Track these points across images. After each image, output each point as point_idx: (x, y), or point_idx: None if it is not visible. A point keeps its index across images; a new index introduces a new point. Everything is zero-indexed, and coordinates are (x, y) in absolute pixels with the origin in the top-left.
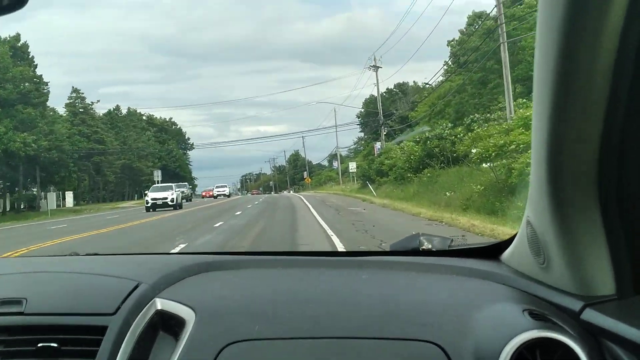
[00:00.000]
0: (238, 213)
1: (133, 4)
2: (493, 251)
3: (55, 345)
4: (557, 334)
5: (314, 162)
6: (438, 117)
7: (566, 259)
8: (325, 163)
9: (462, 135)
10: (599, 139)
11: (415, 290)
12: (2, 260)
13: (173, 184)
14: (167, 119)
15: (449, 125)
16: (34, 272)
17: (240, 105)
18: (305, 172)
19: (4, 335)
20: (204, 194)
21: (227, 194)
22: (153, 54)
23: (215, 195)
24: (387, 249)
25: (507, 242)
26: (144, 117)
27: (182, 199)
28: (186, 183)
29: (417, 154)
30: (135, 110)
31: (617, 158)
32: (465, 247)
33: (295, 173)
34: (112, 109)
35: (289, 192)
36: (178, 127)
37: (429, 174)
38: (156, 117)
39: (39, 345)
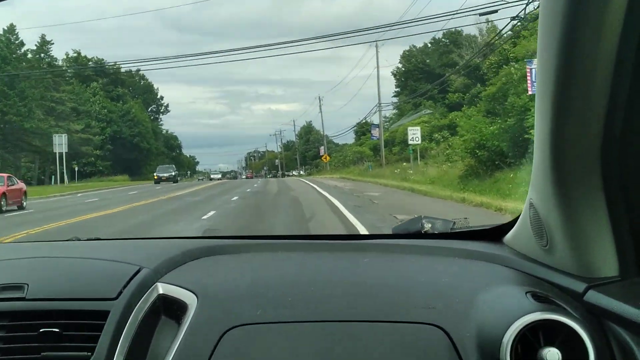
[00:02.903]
0: None
1: None
2: (496, 233)
3: (57, 330)
4: (560, 315)
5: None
6: None
7: (569, 240)
8: (346, 140)
9: None
10: (602, 121)
11: (417, 273)
12: (3, 246)
13: None
14: (133, 71)
15: None
16: (35, 258)
17: (253, 83)
18: (321, 148)
19: (5, 320)
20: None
21: None
22: (167, 30)
23: None
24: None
25: (510, 225)
26: (91, 63)
27: None
28: None
29: None
30: (64, 57)
31: (619, 140)
32: (467, 229)
33: (306, 149)
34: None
35: (298, 173)
36: (148, 81)
37: None
38: (108, 64)
39: (41, 330)
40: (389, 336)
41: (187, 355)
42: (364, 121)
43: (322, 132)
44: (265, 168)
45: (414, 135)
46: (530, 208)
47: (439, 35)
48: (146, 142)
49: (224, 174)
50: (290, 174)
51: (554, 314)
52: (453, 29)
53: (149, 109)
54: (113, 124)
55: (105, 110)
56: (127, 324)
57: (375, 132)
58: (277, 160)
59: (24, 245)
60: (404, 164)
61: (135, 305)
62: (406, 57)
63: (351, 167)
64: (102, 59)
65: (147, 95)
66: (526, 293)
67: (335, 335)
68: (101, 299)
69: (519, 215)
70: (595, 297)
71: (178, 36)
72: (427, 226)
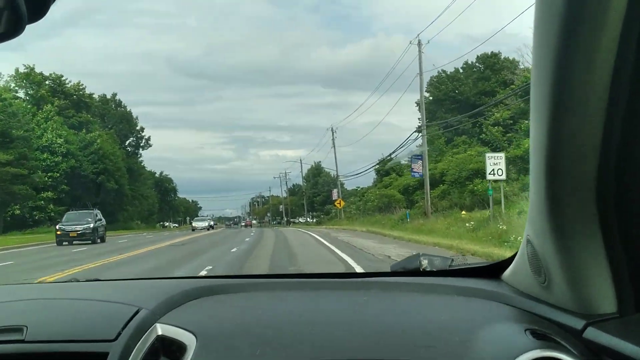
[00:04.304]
0: None
1: (158, 26)
2: (494, 270)
3: None
4: (559, 353)
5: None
6: None
7: (567, 277)
8: (359, 184)
9: None
10: (598, 157)
11: (416, 311)
12: (2, 288)
13: None
14: (106, 96)
15: None
16: (34, 299)
17: (261, 128)
18: (334, 191)
19: None
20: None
21: None
22: (176, 75)
23: None
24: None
25: (508, 262)
26: (48, 82)
27: None
28: None
29: None
30: None
31: (616, 176)
32: (466, 266)
33: (315, 194)
34: None
35: (305, 220)
36: (125, 109)
37: None
38: (68, 84)
39: None
40: None
41: None
42: (388, 158)
43: (333, 174)
44: (268, 214)
45: (496, 166)
46: (528, 245)
47: (472, 59)
48: (114, 182)
49: (223, 220)
50: (297, 221)
51: (553, 351)
52: (489, 52)
53: (127, 142)
54: (70, 157)
55: (62, 140)
56: None
57: (417, 167)
58: (281, 206)
59: (23, 287)
60: (463, 213)
61: (134, 347)
62: (434, 84)
63: (376, 216)
64: (61, 76)
65: (124, 125)
66: (525, 330)
67: None
68: (100, 340)
69: (517, 252)
70: (594, 334)
71: (187, 81)
72: (425, 263)
